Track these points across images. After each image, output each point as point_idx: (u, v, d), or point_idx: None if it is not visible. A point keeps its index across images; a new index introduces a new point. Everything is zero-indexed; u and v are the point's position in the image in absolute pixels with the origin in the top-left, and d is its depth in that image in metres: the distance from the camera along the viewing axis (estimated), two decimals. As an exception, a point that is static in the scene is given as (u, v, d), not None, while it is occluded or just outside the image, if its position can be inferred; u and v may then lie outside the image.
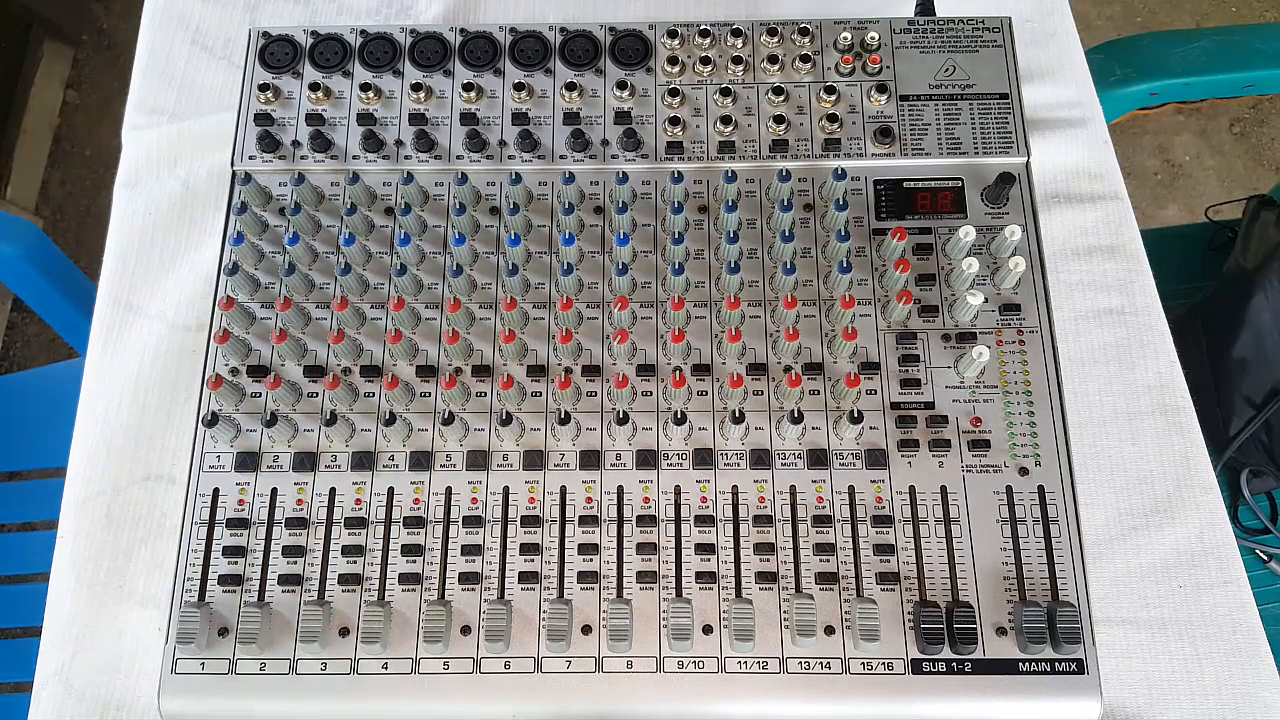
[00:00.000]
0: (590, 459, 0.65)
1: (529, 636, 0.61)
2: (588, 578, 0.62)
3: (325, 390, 0.67)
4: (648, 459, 0.65)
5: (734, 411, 0.64)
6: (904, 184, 0.72)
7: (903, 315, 0.68)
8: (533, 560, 0.63)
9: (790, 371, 0.65)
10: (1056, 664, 0.60)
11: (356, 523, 0.64)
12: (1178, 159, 2.03)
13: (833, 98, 0.74)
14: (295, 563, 0.63)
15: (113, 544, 0.70)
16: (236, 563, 0.63)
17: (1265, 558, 1.10)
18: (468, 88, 0.74)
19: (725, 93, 0.74)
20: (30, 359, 1.87)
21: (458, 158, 0.73)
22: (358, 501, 0.65)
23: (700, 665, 0.61)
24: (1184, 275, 1.23)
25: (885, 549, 0.63)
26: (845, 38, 0.75)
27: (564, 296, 0.67)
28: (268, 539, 0.64)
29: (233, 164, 0.74)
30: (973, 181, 0.72)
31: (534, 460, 0.65)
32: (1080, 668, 0.60)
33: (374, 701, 0.61)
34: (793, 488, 0.64)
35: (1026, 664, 0.60)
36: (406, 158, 0.73)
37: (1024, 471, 0.65)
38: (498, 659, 0.61)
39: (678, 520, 0.64)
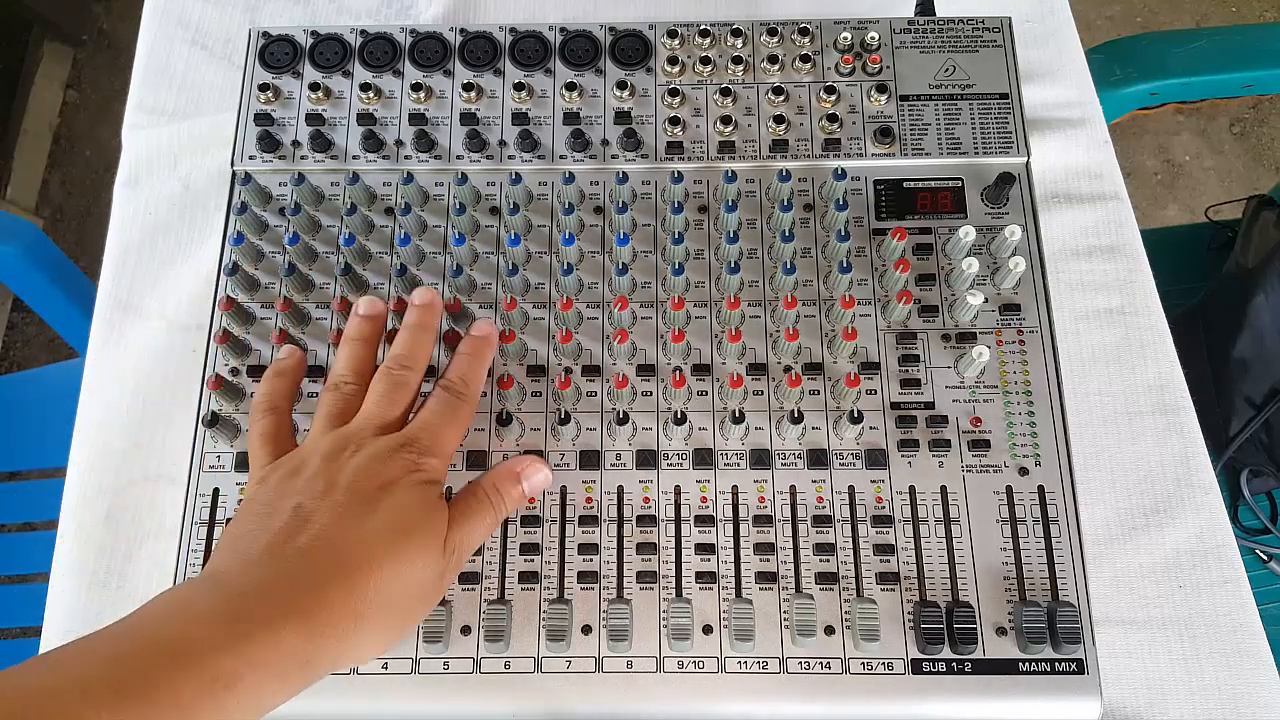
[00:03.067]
0: (590, 459, 0.65)
1: (529, 636, 0.61)
2: (587, 578, 0.62)
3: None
4: (648, 459, 0.65)
5: (734, 411, 0.64)
6: (904, 184, 0.72)
7: (903, 315, 0.68)
8: (532, 560, 0.63)
9: (790, 371, 0.65)
10: (1056, 664, 0.60)
11: (356, 523, 0.64)
12: (1178, 159, 2.04)
13: (833, 98, 0.74)
14: (295, 563, 0.63)
15: (113, 544, 0.70)
16: (236, 563, 0.63)
17: (1265, 558, 1.10)
18: (468, 88, 0.74)
19: (725, 93, 0.74)
20: (30, 359, 1.87)
21: (458, 158, 0.73)
22: (358, 501, 0.65)
23: (700, 665, 0.61)
24: (1184, 275, 1.23)
25: (885, 549, 0.63)
26: (845, 38, 0.75)
27: (564, 296, 0.67)
28: (268, 539, 0.64)
29: (233, 164, 0.74)
30: (973, 181, 0.72)
31: (534, 460, 0.65)
32: (1080, 668, 0.60)
33: (374, 701, 0.61)
34: (793, 488, 0.64)
35: (1026, 664, 0.60)
36: (406, 158, 0.73)
37: (1024, 471, 0.65)
38: (498, 659, 0.61)
39: (678, 520, 0.64)
